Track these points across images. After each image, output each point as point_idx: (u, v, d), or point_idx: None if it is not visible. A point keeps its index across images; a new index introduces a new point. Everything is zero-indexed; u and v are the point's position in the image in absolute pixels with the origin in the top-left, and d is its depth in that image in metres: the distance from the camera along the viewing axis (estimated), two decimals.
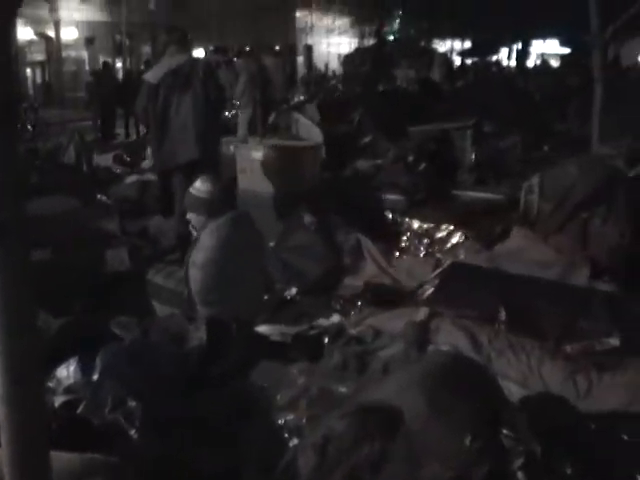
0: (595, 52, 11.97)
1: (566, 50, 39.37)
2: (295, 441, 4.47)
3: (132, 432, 4.43)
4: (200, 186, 7.06)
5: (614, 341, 5.93)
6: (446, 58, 34.33)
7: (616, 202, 8.41)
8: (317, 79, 38.07)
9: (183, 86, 9.36)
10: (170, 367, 5.23)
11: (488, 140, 13.83)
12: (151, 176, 12.10)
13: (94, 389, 4.71)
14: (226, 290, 6.78)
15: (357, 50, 38.97)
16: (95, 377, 4.86)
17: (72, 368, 5.04)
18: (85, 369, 4.98)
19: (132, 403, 4.54)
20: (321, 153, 12.22)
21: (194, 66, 9.65)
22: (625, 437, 4.47)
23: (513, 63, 39.76)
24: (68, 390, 4.87)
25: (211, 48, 42.40)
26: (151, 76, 9.60)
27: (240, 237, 7.03)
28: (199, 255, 6.81)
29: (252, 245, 7.30)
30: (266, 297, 7.78)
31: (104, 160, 15.63)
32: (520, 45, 40.50)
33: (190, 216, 7.20)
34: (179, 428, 4.61)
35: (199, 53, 42.45)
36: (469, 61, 40.69)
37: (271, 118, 16.75)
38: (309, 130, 13.52)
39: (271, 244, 9.17)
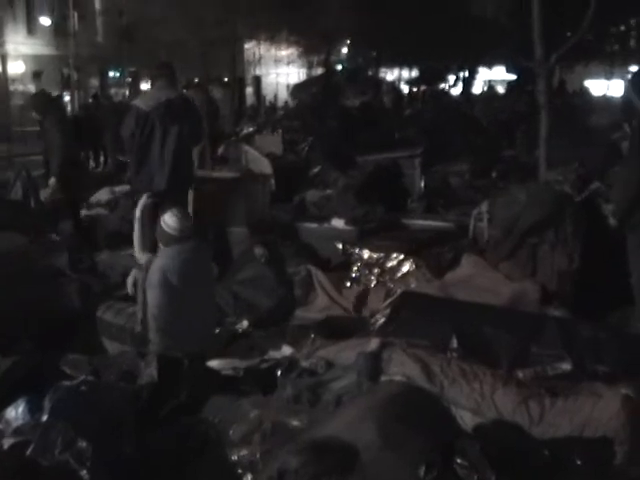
0: (540, 79, 12.08)
1: (513, 77, 39.76)
2: (249, 477, 4.44)
3: (83, 473, 4.35)
4: (169, 221, 7.08)
5: (566, 366, 5.96)
6: (394, 86, 34.56)
7: (564, 228, 8.46)
8: (266, 110, 38.15)
9: (172, 118, 9.52)
10: (121, 405, 5.16)
11: (437, 168, 13.90)
12: (101, 211, 12.01)
13: (43, 430, 4.63)
14: (179, 319, 6.77)
15: (306, 80, 39.15)
16: (44, 418, 4.78)
17: (21, 409, 4.97)
18: (34, 410, 4.91)
19: (82, 443, 4.46)
20: (270, 184, 12.20)
21: (184, 101, 9.98)
22: (579, 462, 4.49)
23: (460, 90, 40.11)
24: (17, 432, 4.78)
25: None
26: (143, 104, 9.73)
27: (197, 265, 7.08)
28: (155, 275, 6.81)
29: (206, 275, 7.37)
30: (217, 331, 7.74)
31: None
32: (467, 72, 40.88)
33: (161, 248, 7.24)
34: (130, 467, 4.55)
35: (148, 86, 42.40)
36: (417, 89, 41.07)
37: (220, 150, 16.71)
38: (258, 162, 13.50)
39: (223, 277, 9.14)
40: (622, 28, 31.45)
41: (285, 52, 45.00)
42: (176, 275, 6.83)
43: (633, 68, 30.65)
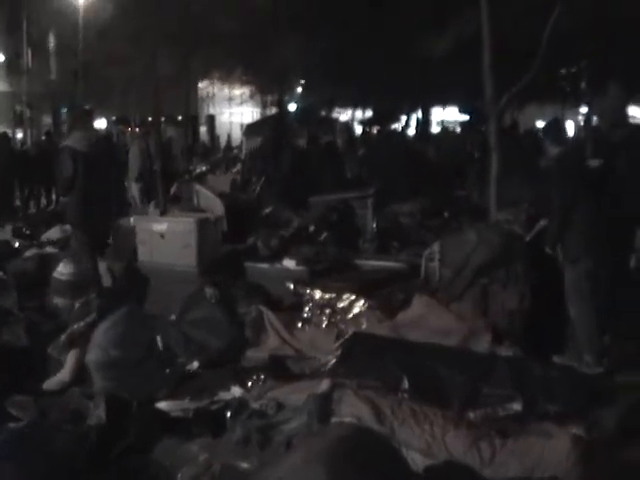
0: (490, 120, 12.18)
1: (465, 117, 40.05)
2: None
3: None
4: (63, 269, 7.12)
5: (517, 406, 5.98)
6: (348, 126, 34.67)
7: (515, 267, 8.53)
8: (219, 149, 38.13)
9: (103, 157, 9.68)
10: (69, 447, 5.09)
11: (389, 208, 13.94)
12: (52, 249, 11.91)
13: None
14: (124, 371, 6.71)
15: (259, 119, 39.21)
16: None
17: None
18: None
19: None
20: (222, 224, 12.17)
21: (108, 141, 10.33)
22: None
23: (414, 130, 40.35)
24: None
25: (113, 118, 42.25)
26: (77, 144, 9.79)
27: (132, 331, 7.10)
28: (95, 352, 6.79)
29: (145, 334, 7.41)
30: (167, 371, 7.67)
31: (1, 234, 15.34)
32: (420, 113, 41.12)
33: (57, 301, 7.23)
34: None
35: (101, 124, 42.23)
36: (371, 129, 41.24)
37: (173, 189, 16.67)
38: (210, 201, 13.48)
39: (172, 317, 9.08)
40: (573, 70, 31.85)
41: (239, 91, 45.05)
42: (114, 350, 6.83)
43: (584, 109, 31.14)
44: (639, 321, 8.68)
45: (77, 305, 7.20)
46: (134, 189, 17.52)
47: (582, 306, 7.99)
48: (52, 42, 43.81)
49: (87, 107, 31.52)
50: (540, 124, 43.90)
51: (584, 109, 32.56)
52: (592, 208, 8.13)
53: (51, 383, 6.99)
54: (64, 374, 7.01)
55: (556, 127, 9.31)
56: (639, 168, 8.68)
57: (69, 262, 7.20)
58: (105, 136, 9.88)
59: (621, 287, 8.52)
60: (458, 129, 38.90)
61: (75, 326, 7.21)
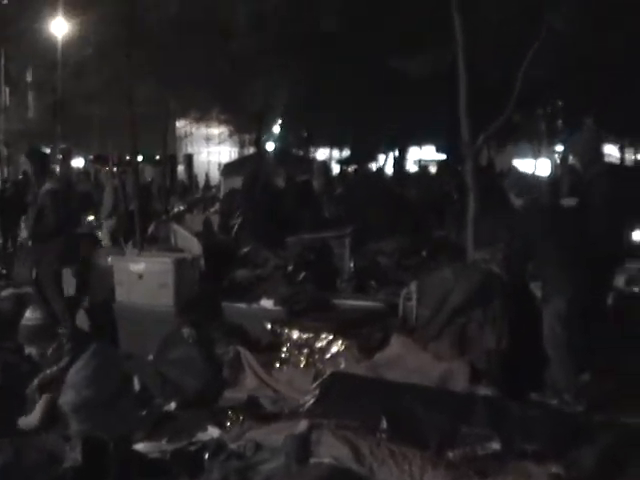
0: (467, 160, 12.24)
1: (442, 156, 40.24)
2: None
3: None
4: (30, 315, 7.16)
5: (495, 445, 5.98)
6: (325, 165, 34.76)
7: (492, 307, 8.56)
8: (197, 188, 38.12)
9: (74, 199, 9.88)
10: None
11: (367, 247, 13.95)
12: (28, 289, 11.85)
13: None
14: (97, 411, 6.68)
15: (237, 159, 39.28)
16: None
17: None
18: None
19: None
20: (200, 264, 12.14)
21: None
22: None
23: (391, 170, 40.46)
24: None
25: (91, 157, 42.16)
26: (58, 186, 9.94)
27: (104, 370, 7.05)
28: (68, 394, 6.77)
29: (117, 373, 7.33)
30: (144, 412, 7.64)
31: None
32: (397, 152, 41.28)
33: (28, 349, 7.25)
34: None
35: (79, 162, 42.19)
36: (348, 168, 41.34)
37: (150, 229, 16.63)
38: (187, 241, 13.44)
39: (150, 357, 9.05)
40: (549, 109, 32.16)
41: (217, 131, 45.19)
42: (87, 390, 6.81)
43: (559, 148, 31.37)
44: (618, 359, 8.74)
45: (49, 351, 7.20)
46: (105, 228, 17.50)
47: (557, 345, 8.02)
48: (30, 79, 43.83)
49: (64, 146, 31.56)
50: (517, 163, 44.26)
51: (560, 147, 32.77)
52: (565, 248, 8.20)
53: (23, 423, 6.97)
54: (34, 417, 6.98)
55: (516, 178, 9.41)
56: (614, 206, 8.77)
57: (36, 307, 7.22)
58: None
59: (599, 325, 8.58)
60: (435, 168, 39.13)
61: (48, 371, 7.20)
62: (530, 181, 10.13)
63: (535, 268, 8.39)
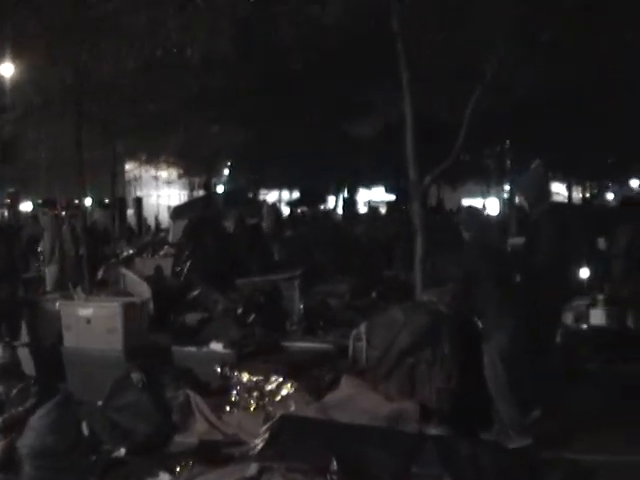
0: (414, 201, 12.33)
1: (392, 197, 40.49)
2: None
3: None
4: None
5: None
6: (275, 207, 34.83)
7: (440, 346, 8.59)
8: (148, 232, 37.93)
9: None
10: None
11: (316, 289, 13.98)
12: None
13: None
14: (54, 459, 6.64)
15: (186, 202, 39.17)
16: None
17: None
18: None
19: None
20: (149, 308, 12.08)
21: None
22: None
23: (341, 211, 40.63)
24: None
25: (39, 201, 41.85)
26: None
27: (65, 419, 7.05)
28: (29, 438, 6.73)
29: (75, 422, 7.37)
30: (94, 459, 7.56)
31: None
32: (347, 193, 41.48)
33: None
34: None
35: (27, 206, 41.83)
36: (298, 210, 41.44)
37: (100, 273, 16.54)
38: (137, 285, 13.39)
39: (99, 403, 8.96)
40: (497, 148, 32.46)
41: (166, 173, 45.10)
42: (49, 437, 6.79)
43: (507, 187, 31.67)
44: (567, 395, 8.82)
45: (14, 391, 7.14)
46: (48, 274, 17.37)
47: (499, 382, 8.04)
48: None
49: (12, 190, 31.30)
50: (466, 201, 44.67)
51: (508, 186, 33.12)
52: (507, 285, 8.26)
53: None
54: None
55: (467, 215, 9.50)
56: (560, 244, 8.87)
57: (2, 347, 7.17)
58: None
59: (549, 361, 8.65)
60: (384, 209, 39.36)
61: (13, 410, 7.15)
62: (482, 218, 10.19)
63: (478, 305, 8.43)
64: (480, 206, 38.53)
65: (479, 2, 11.29)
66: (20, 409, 7.12)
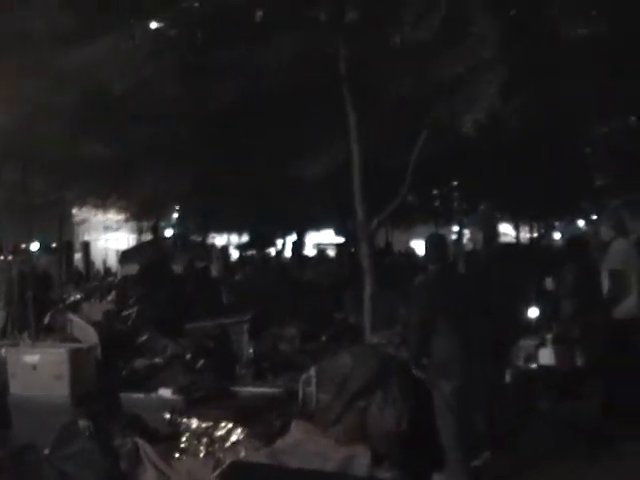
0: (362, 243, 12.38)
1: (341, 239, 40.58)
2: None
3: None
4: None
5: None
6: (224, 251, 34.74)
7: (390, 389, 8.59)
8: (96, 276, 37.62)
9: None
10: None
11: (266, 333, 13.93)
12: None
13: None
14: None
15: (134, 246, 38.94)
16: None
17: None
18: None
19: None
20: (97, 354, 11.96)
21: None
22: None
23: (290, 254, 40.61)
24: None
25: None
26: None
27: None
28: None
29: None
30: None
31: None
32: (296, 236, 41.49)
33: None
34: None
35: None
36: (247, 253, 41.37)
37: (46, 318, 16.36)
38: (84, 331, 13.26)
39: (45, 451, 8.84)
40: (445, 189, 32.72)
41: (114, 217, 44.86)
42: None
43: (456, 227, 31.94)
44: (518, 435, 8.86)
45: None
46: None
47: (447, 431, 8.03)
48: None
49: None
50: (414, 243, 44.89)
51: (456, 227, 33.39)
52: (453, 329, 8.18)
53: None
54: None
55: (430, 245, 9.29)
56: (508, 284, 8.93)
57: None
58: None
59: (499, 402, 8.67)
60: (333, 251, 39.43)
61: None
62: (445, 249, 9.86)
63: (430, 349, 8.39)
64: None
65: (424, 51, 11.41)
66: None
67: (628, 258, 10.63)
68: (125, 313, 16.38)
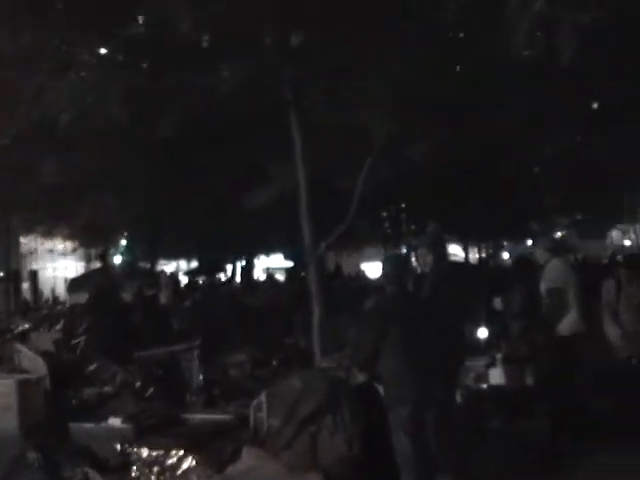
0: (310, 267, 12.39)
1: (290, 264, 40.55)
2: None
3: None
4: None
5: None
6: (173, 278, 34.59)
7: (341, 413, 8.57)
8: (45, 305, 37.28)
9: None
10: None
11: (216, 359, 13.88)
12: None
13: None
14: None
15: (83, 274, 38.69)
16: None
17: None
18: None
19: None
20: (45, 384, 11.86)
21: None
22: None
23: (239, 279, 40.52)
24: None
25: None
26: None
27: None
28: None
29: None
30: None
31: None
32: (245, 261, 41.41)
33: None
34: None
35: None
36: (196, 280, 41.20)
37: None
38: (32, 361, 13.14)
39: None
40: (393, 212, 32.90)
41: (62, 245, 44.49)
42: None
43: (404, 249, 32.07)
44: (470, 455, 8.86)
45: None
46: None
47: (400, 447, 7.93)
48: None
49: None
50: (364, 266, 45.02)
51: (404, 249, 33.55)
52: (404, 354, 8.07)
53: None
54: None
55: (389, 265, 9.21)
56: (460, 304, 8.97)
57: None
58: None
59: (451, 423, 8.66)
60: (282, 276, 39.40)
61: None
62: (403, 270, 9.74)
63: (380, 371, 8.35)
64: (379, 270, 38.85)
65: (370, 78, 11.49)
66: None
67: (564, 275, 10.87)
68: (74, 342, 16.25)
